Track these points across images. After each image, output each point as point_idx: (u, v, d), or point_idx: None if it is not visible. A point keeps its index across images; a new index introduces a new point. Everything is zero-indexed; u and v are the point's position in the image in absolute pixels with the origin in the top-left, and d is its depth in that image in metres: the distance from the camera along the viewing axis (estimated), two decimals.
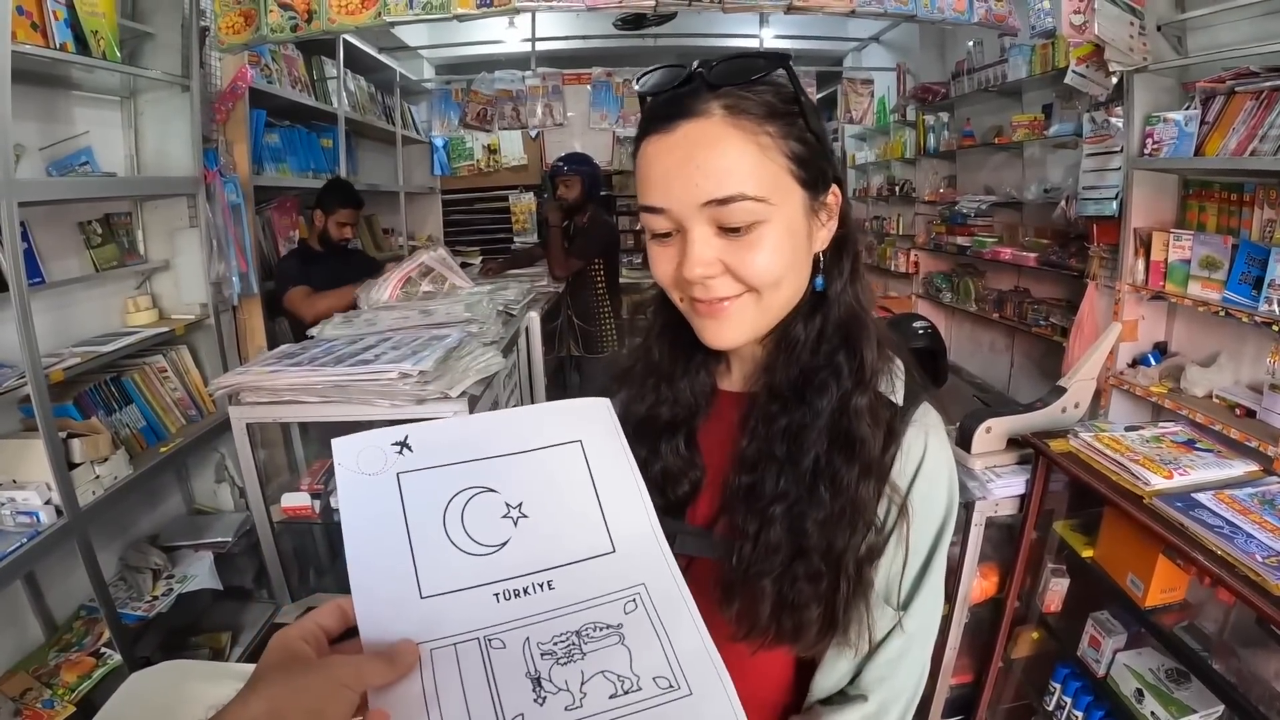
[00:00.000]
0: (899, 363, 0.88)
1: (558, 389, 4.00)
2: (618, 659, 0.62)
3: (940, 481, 0.85)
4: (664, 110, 0.77)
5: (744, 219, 0.74)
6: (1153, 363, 3.26)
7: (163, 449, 2.76)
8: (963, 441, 2.11)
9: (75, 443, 2.30)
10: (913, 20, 3.31)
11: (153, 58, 2.87)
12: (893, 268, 6.61)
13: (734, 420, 0.88)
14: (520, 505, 0.69)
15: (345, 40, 4.84)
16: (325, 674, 0.54)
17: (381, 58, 5.81)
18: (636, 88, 0.82)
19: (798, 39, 6.71)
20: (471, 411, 2.06)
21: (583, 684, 0.60)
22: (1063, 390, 2.12)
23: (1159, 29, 3.05)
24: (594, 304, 4.38)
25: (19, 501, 2.10)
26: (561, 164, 4.25)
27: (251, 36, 3.13)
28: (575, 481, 0.72)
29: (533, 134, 6.80)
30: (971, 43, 5.13)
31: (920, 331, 2.41)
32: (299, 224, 4.30)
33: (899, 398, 0.85)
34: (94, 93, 2.77)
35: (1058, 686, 2.06)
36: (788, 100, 0.78)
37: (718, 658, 0.63)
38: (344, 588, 0.62)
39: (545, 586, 0.65)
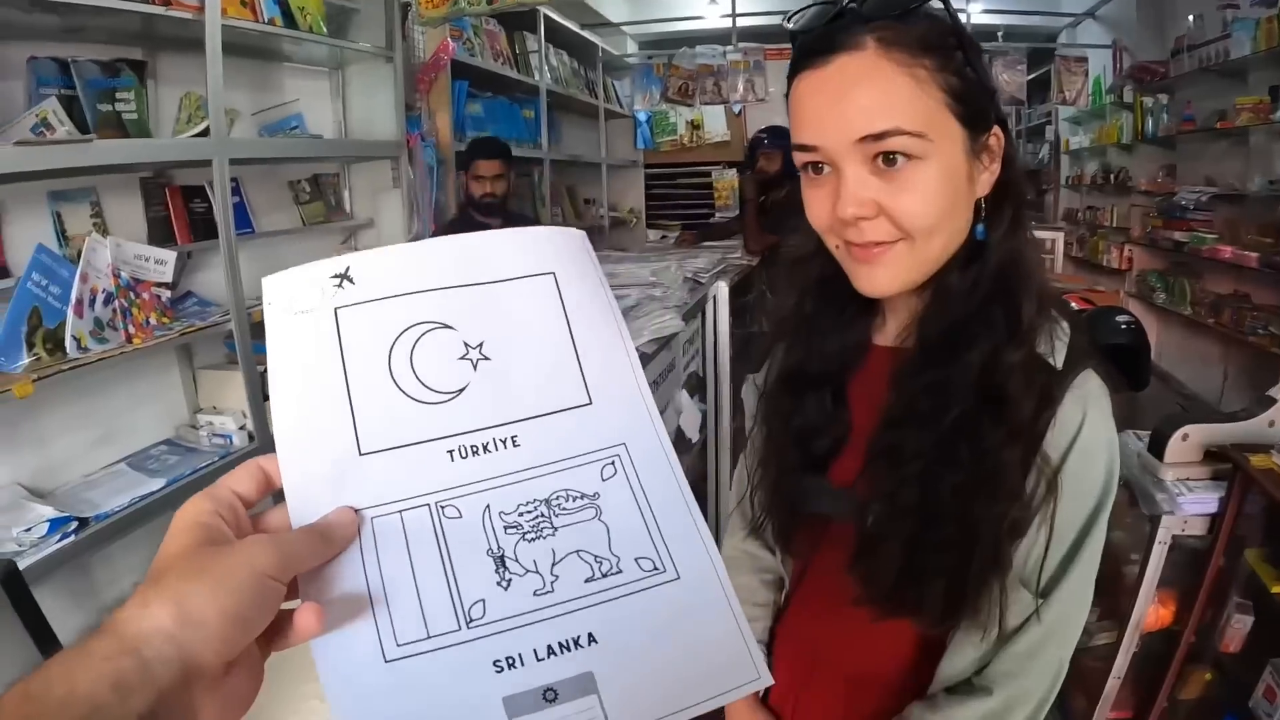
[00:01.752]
0: (1065, 325, 0.80)
1: (743, 362, 3.95)
2: (594, 536, 0.53)
3: (1098, 459, 0.77)
4: (816, 45, 0.74)
5: (900, 151, 0.71)
6: None
7: None
8: (1155, 448, 1.90)
9: None
10: None
11: (357, 31, 3.12)
12: (1105, 263, 6.04)
13: (884, 376, 0.84)
14: (481, 346, 0.58)
15: (546, 16, 5.01)
16: (242, 563, 0.42)
17: (584, 33, 5.99)
18: (788, 26, 0.79)
19: (1008, 14, 6.24)
20: (645, 369, 2.07)
21: (554, 565, 0.52)
22: (1272, 401, 1.85)
23: None
24: None
25: (216, 425, 2.39)
26: (763, 136, 4.15)
27: (450, 10, 3.32)
28: (547, 320, 0.60)
29: (735, 109, 6.75)
30: (1192, 17, 4.57)
31: (1123, 326, 2.17)
32: None
33: (1059, 361, 0.77)
34: (303, 64, 3.06)
35: None
36: (944, 34, 0.74)
37: (707, 534, 0.55)
38: None
39: (509, 443, 0.55)
